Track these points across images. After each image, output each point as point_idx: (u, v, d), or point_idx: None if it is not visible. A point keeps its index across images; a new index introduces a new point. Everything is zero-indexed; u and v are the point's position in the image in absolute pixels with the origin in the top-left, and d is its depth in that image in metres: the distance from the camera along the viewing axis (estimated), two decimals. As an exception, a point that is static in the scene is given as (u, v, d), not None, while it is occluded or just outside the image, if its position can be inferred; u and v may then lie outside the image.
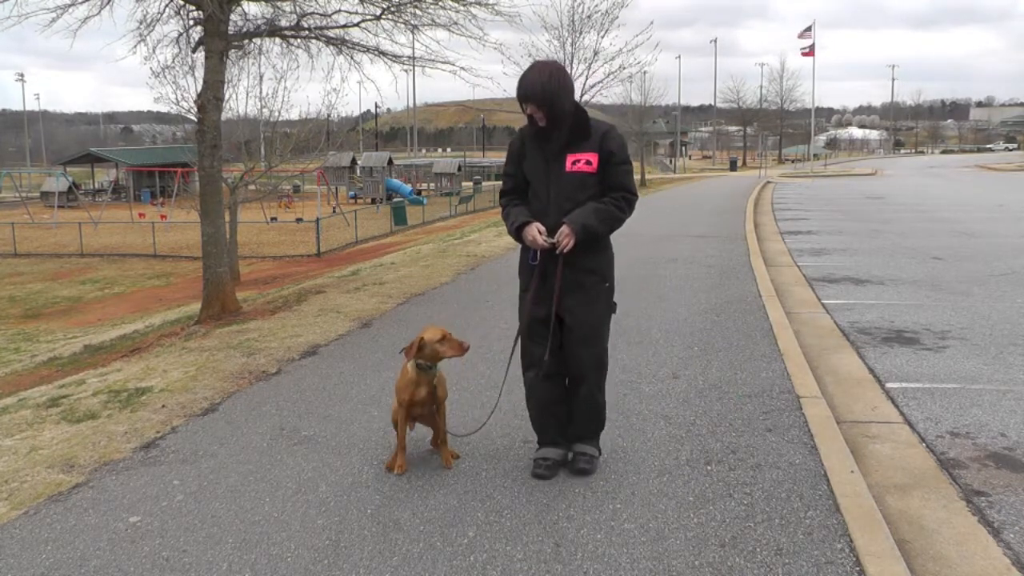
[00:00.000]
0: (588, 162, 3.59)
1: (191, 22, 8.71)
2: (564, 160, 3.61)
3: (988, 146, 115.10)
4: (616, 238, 3.75)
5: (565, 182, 3.61)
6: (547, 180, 3.64)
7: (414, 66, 10.50)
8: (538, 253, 3.65)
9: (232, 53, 9.10)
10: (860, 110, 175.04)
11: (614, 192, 3.63)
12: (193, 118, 11.15)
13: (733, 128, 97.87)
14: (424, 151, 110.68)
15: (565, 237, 3.53)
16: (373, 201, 41.02)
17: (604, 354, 3.81)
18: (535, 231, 3.57)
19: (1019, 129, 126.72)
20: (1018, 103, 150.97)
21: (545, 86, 3.47)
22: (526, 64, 4.51)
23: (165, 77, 12.84)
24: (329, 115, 20.72)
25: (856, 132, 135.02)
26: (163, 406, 5.00)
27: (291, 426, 4.56)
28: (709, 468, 3.85)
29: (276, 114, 19.22)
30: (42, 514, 3.54)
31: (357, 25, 9.47)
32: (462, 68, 10.20)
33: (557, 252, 3.56)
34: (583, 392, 3.78)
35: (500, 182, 4.04)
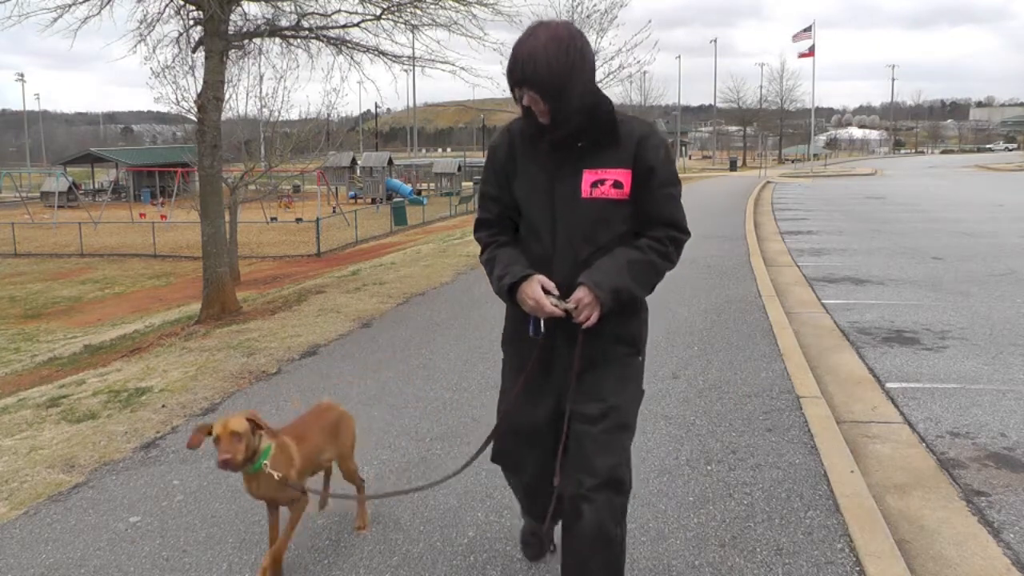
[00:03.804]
0: (617, 183, 2.31)
1: (191, 22, 8.73)
2: (579, 179, 2.33)
3: (988, 146, 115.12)
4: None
5: (580, 214, 2.33)
6: (551, 210, 2.36)
7: (414, 66, 10.54)
8: (542, 323, 2.40)
9: (232, 53, 9.11)
10: (860, 110, 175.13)
11: (655, 229, 2.37)
12: (193, 118, 11.15)
13: (733, 128, 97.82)
14: (424, 151, 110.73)
15: (586, 308, 2.27)
16: (373, 201, 41.00)
17: (626, 464, 2.40)
18: (538, 290, 2.30)
19: (1019, 129, 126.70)
20: (1018, 103, 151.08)
21: (552, 63, 2.15)
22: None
23: (165, 77, 12.83)
24: (329, 115, 20.73)
25: (856, 132, 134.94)
26: (163, 406, 5.01)
27: (291, 426, 4.56)
28: (709, 468, 3.85)
29: (276, 114, 19.23)
30: (42, 514, 3.55)
31: (357, 25, 9.50)
32: (462, 68, 10.25)
33: (575, 322, 2.31)
34: (588, 521, 2.32)
35: None
